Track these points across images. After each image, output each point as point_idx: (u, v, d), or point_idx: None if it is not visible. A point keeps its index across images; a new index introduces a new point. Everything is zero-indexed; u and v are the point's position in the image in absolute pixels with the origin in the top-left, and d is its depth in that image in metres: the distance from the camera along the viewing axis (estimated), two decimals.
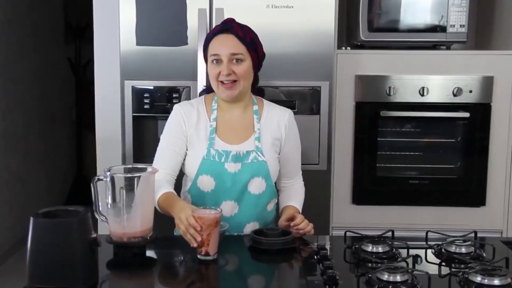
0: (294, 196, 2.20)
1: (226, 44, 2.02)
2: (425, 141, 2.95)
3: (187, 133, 2.08)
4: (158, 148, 2.12)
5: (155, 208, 1.85)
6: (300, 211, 2.13)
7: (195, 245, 1.74)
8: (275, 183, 2.16)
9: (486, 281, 1.51)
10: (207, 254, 1.74)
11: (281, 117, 2.14)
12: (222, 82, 2.03)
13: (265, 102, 2.19)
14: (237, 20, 2.10)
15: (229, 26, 2.04)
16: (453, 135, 2.93)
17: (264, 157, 2.06)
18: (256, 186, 2.06)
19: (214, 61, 2.03)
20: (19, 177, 4.46)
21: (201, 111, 2.11)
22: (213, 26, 2.57)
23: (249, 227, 2.08)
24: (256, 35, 2.09)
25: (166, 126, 2.13)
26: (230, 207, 2.06)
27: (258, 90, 2.24)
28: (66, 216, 1.55)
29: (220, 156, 2.04)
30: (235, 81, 2.02)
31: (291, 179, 2.21)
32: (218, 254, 1.77)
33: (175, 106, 2.14)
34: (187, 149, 2.09)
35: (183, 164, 2.11)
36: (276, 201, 2.19)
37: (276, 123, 2.13)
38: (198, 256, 1.75)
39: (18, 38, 4.43)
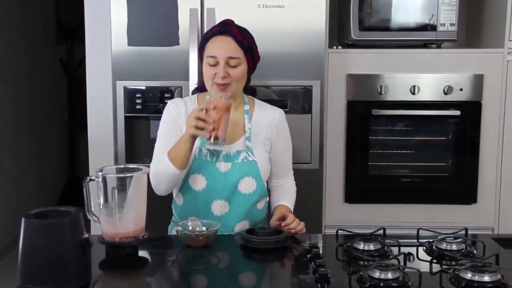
0: (285, 195, 2.20)
1: (224, 47, 2.02)
2: (416, 139, 2.96)
3: (181, 126, 2.09)
4: (157, 142, 2.11)
5: (148, 206, 1.84)
6: (292, 210, 2.14)
7: (210, 128, 1.83)
8: (267, 182, 2.17)
9: (476, 278, 1.52)
10: (216, 138, 1.82)
11: (272, 116, 2.16)
12: (216, 83, 2.03)
13: (257, 101, 2.20)
14: (233, 22, 2.11)
15: (228, 29, 2.04)
16: (444, 133, 2.95)
17: (254, 157, 2.07)
18: (247, 185, 2.07)
19: (211, 62, 2.03)
20: (11, 177, 4.45)
21: (193, 108, 2.12)
22: (205, 26, 2.58)
23: (239, 226, 2.09)
24: (253, 40, 2.10)
25: (162, 121, 2.13)
26: (221, 207, 2.07)
27: (250, 90, 2.25)
28: (58, 216, 1.55)
29: (211, 156, 2.05)
30: (229, 83, 2.03)
31: (282, 178, 2.22)
32: (211, 254, 1.77)
33: (169, 102, 2.16)
34: None
35: None
36: (267, 199, 2.19)
37: (267, 122, 2.14)
38: (208, 145, 1.87)
39: (10, 37, 4.42)
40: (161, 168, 1.99)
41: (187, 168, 2.02)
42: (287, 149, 2.21)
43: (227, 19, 2.12)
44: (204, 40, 2.09)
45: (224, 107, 1.85)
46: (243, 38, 2.04)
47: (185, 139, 1.93)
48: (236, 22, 2.11)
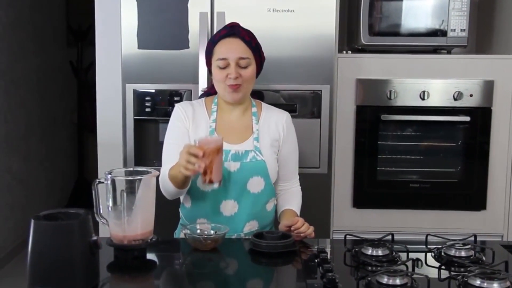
0: (292, 200, 2.20)
1: (234, 48, 2.04)
2: (425, 144, 2.95)
3: (189, 129, 2.10)
4: (164, 147, 2.13)
5: (156, 209, 1.85)
6: (298, 215, 2.14)
7: (201, 170, 1.79)
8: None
9: (485, 285, 1.51)
10: (211, 182, 1.80)
11: (279, 118, 2.17)
12: (228, 84, 2.04)
13: (264, 104, 2.21)
14: (239, 24, 2.12)
15: (236, 30, 2.06)
16: (454, 139, 2.94)
17: (262, 157, 2.08)
18: (255, 185, 2.07)
19: (221, 65, 2.04)
20: (20, 179, 4.47)
21: (201, 111, 2.14)
22: (215, 29, 2.58)
23: (248, 226, 2.09)
24: (258, 40, 2.11)
25: (169, 125, 2.15)
26: (230, 206, 2.07)
27: (257, 94, 2.26)
28: (67, 218, 1.55)
29: None
30: (240, 84, 2.04)
31: (287, 182, 2.21)
32: (218, 257, 1.77)
33: (176, 105, 2.17)
34: None
35: None
36: (275, 202, 2.19)
37: (274, 124, 2.16)
38: (203, 186, 1.85)
39: (20, 40, 4.45)
40: (164, 182, 2.02)
41: (188, 187, 2.04)
42: (293, 151, 2.21)
43: (232, 22, 2.14)
44: (211, 45, 2.10)
45: (214, 149, 1.79)
46: (251, 39, 2.07)
47: (180, 169, 1.87)
48: (245, 26, 2.12)
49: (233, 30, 2.07)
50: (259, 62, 2.11)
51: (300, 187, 2.26)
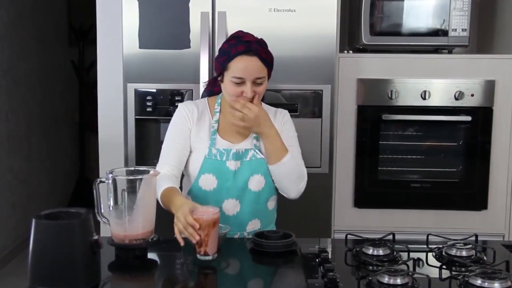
0: None
1: (252, 69, 2.01)
2: (426, 144, 2.95)
3: (191, 130, 2.11)
4: (163, 145, 2.14)
5: (157, 209, 1.86)
6: (287, 151, 2.07)
7: (194, 241, 1.75)
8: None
9: (486, 284, 1.51)
10: (206, 254, 1.76)
11: (277, 115, 2.18)
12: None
13: (263, 105, 2.21)
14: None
15: (253, 48, 2.01)
16: (455, 138, 2.93)
17: (262, 155, 2.09)
18: (256, 183, 2.08)
19: (236, 82, 2.02)
20: (22, 179, 4.47)
21: (205, 112, 2.15)
22: (216, 29, 2.58)
23: (251, 225, 2.11)
24: (267, 46, 2.09)
25: (171, 124, 2.15)
26: (232, 205, 2.08)
27: None
28: (68, 218, 1.56)
29: (221, 155, 2.07)
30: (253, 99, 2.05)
31: None
32: (219, 256, 1.78)
33: (180, 105, 2.18)
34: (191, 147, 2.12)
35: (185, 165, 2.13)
36: (277, 200, 2.19)
37: (273, 121, 2.14)
38: (198, 256, 1.76)
39: (22, 40, 4.45)
40: (157, 194, 1.96)
41: None
42: (294, 143, 2.16)
43: (246, 35, 2.08)
44: (226, 58, 2.04)
45: (210, 223, 1.76)
46: (267, 55, 2.05)
47: (175, 228, 1.83)
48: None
49: (250, 48, 2.01)
50: (271, 71, 2.10)
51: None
